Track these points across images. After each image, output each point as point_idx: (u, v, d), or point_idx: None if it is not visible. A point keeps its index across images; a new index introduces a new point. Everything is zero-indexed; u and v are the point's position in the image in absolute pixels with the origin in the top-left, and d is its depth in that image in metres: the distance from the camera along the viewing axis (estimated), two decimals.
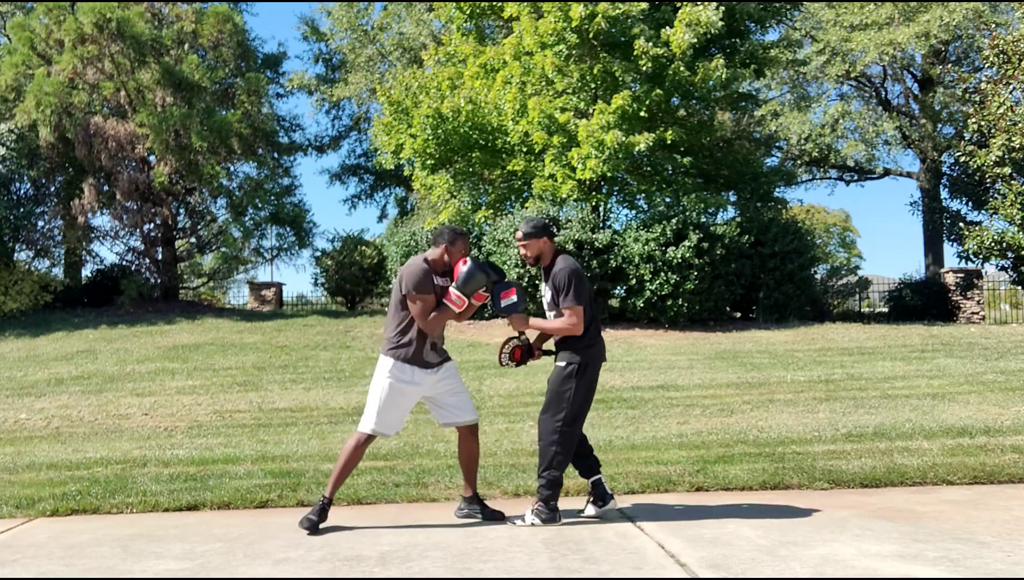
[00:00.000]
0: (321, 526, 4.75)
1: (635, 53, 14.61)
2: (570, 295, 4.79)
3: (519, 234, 4.97)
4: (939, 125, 24.04)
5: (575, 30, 14.74)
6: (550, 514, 4.83)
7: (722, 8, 14.78)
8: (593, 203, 16.19)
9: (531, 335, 5.17)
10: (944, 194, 21.89)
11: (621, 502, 5.37)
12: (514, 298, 4.97)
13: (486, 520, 4.98)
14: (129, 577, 4.02)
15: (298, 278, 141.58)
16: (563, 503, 5.42)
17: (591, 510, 5.03)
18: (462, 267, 4.81)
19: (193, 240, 22.91)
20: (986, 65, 17.60)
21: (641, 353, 12.53)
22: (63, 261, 21.80)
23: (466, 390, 5.09)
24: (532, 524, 4.80)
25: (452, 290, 4.82)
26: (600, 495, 5.01)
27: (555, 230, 4.96)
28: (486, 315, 16.63)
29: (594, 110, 14.79)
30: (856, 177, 27.41)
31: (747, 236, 15.54)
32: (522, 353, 5.09)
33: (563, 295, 4.80)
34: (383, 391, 4.82)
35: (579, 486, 5.71)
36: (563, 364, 4.87)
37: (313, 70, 29.40)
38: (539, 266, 5.01)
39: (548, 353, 5.13)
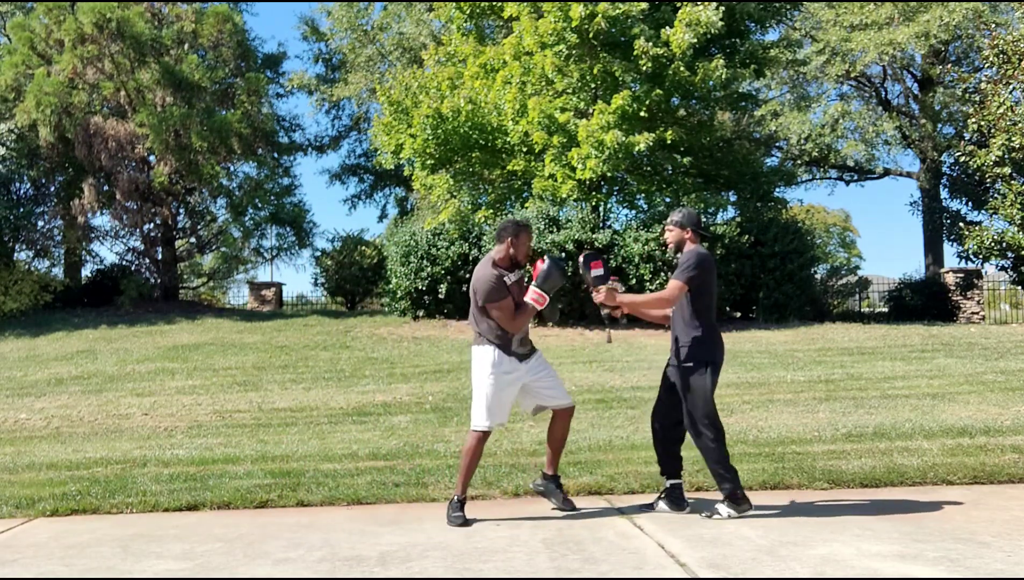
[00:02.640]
0: (468, 517, 4.86)
1: (635, 53, 14.60)
2: (682, 272, 4.89)
3: (669, 219, 5.15)
4: (939, 125, 24.03)
5: (575, 30, 14.74)
6: (741, 507, 4.89)
7: (722, 8, 14.78)
8: (593, 203, 16.19)
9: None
10: (944, 194, 21.89)
11: (621, 502, 5.37)
12: (601, 270, 5.08)
13: (564, 505, 5.09)
14: (129, 577, 4.02)
15: (298, 278, 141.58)
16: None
17: (662, 506, 5.10)
18: (541, 266, 4.96)
19: (193, 240, 22.92)
20: (986, 65, 17.60)
21: (641, 353, 12.53)
22: (63, 261, 21.81)
23: (558, 376, 5.18)
24: (729, 516, 4.84)
25: (533, 289, 4.94)
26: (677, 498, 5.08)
27: (703, 226, 5.21)
28: None
29: (594, 110, 14.79)
30: (856, 177, 27.40)
31: (747, 236, 15.54)
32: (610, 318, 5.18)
33: (677, 270, 4.93)
34: (489, 386, 4.91)
35: (578, 486, 5.71)
36: (690, 364, 4.95)
37: (313, 70, 29.42)
38: (675, 254, 5.15)
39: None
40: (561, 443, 5.18)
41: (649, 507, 5.12)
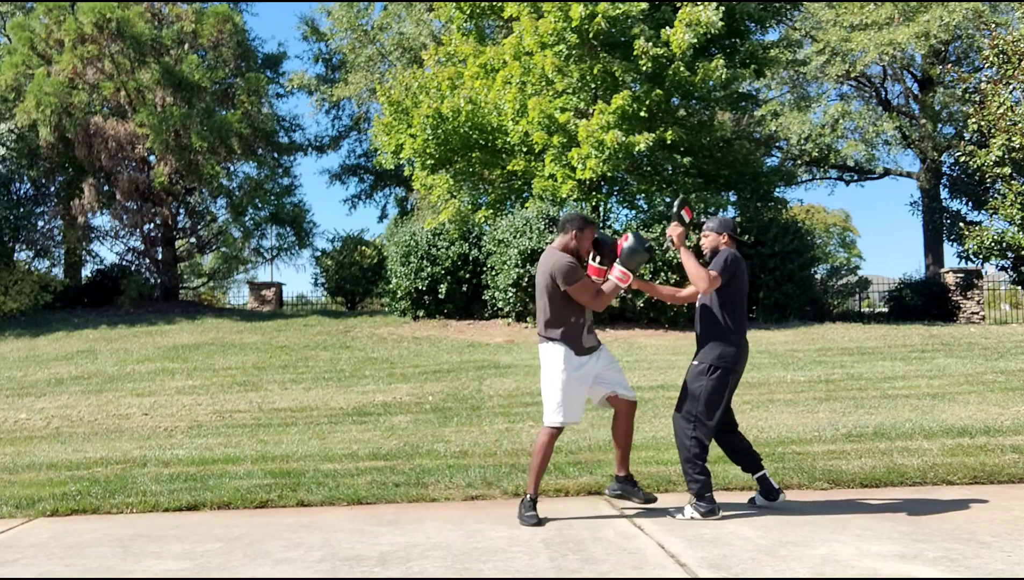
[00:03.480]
0: (541, 516, 4.86)
1: (635, 53, 14.60)
2: (717, 266, 4.96)
3: (705, 226, 5.26)
4: (939, 125, 24.03)
5: (575, 30, 14.74)
6: (708, 507, 4.90)
7: (722, 8, 14.78)
8: (593, 203, 16.19)
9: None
10: (944, 194, 21.88)
11: (621, 502, 5.37)
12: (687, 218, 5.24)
13: (645, 500, 5.09)
14: (129, 577, 4.02)
15: (298, 278, 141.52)
16: (568, 501, 5.43)
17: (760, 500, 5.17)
18: (625, 244, 4.96)
19: (193, 240, 22.92)
20: (986, 65, 17.60)
21: (641, 353, 12.53)
22: (63, 261, 21.82)
23: (621, 370, 5.18)
24: (691, 517, 4.86)
25: (617, 266, 4.95)
26: (768, 490, 5.13)
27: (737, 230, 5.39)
28: (486, 315, 16.63)
29: (594, 110, 14.79)
30: (856, 177, 27.40)
31: (747, 236, 15.54)
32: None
33: (711, 265, 5.00)
34: (562, 383, 4.88)
35: (578, 486, 5.72)
36: (695, 362, 5.03)
37: (313, 70, 29.44)
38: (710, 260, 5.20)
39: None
40: (627, 441, 5.13)
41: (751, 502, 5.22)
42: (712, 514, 4.87)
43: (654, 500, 5.11)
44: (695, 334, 5.13)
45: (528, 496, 4.91)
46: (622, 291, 5.05)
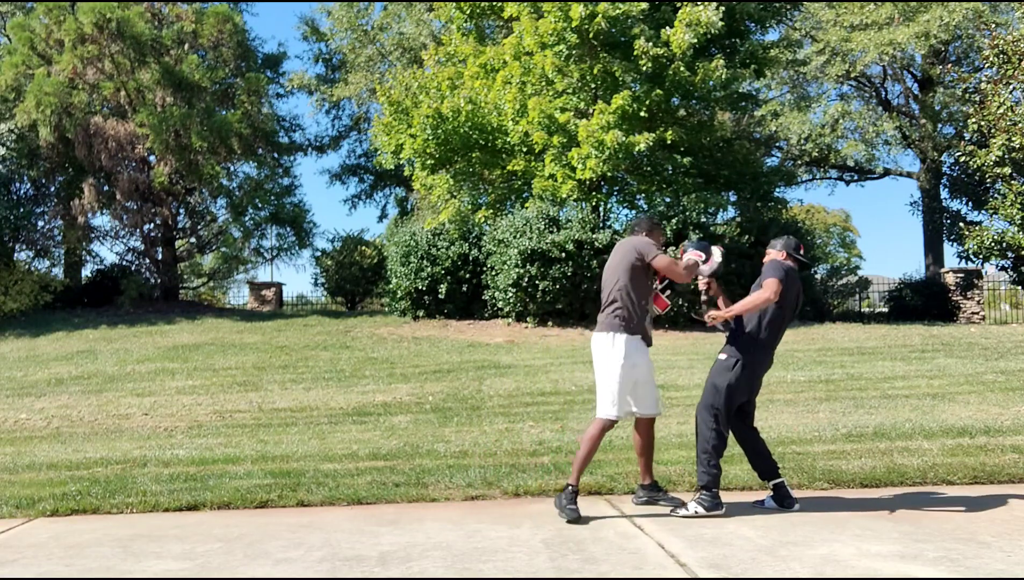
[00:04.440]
0: (582, 512, 4.84)
1: (635, 53, 14.60)
2: (773, 271, 5.02)
3: (770, 245, 5.42)
4: (939, 125, 24.02)
5: (575, 30, 14.74)
6: (712, 501, 4.93)
7: (722, 8, 14.78)
8: (593, 203, 16.19)
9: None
10: (944, 194, 21.89)
11: (621, 502, 5.37)
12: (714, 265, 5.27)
13: (672, 504, 5.07)
14: (129, 577, 4.02)
15: (298, 278, 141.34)
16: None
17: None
18: (717, 254, 5.16)
19: (193, 240, 22.93)
20: (986, 65, 17.60)
21: None
22: (63, 261, 21.82)
23: (655, 383, 5.18)
24: (695, 513, 4.89)
25: (705, 268, 5.14)
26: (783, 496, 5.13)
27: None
28: (486, 315, 16.63)
29: (594, 110, 14.79)
30: (856, 177, 27.40)
31: (747, 236, 15.53)
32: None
33: (765, 272, 5.05)
34: (621, 373, 4.88)
35: (580, 485, 5.70)
36: (721, 357, 5.08)
37: (313, 70, 29.42)
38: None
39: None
40: (649, 450, 5.14)
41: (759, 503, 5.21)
42: (716, 508, 4.89)
43: (682, 504, 5.04)
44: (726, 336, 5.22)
45: (570, 487, 4.89)
46: (703, 276, 5.19)
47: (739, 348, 5.05)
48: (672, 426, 7.94)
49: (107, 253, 76.66)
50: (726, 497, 5.44)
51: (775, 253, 5.30)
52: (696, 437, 5.08)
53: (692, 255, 5.14)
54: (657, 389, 5.15)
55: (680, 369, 11.23)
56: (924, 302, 18.72)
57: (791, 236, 5.52)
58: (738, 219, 16.24)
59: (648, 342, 5.07)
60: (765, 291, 4.93)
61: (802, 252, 5.34)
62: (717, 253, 5.22)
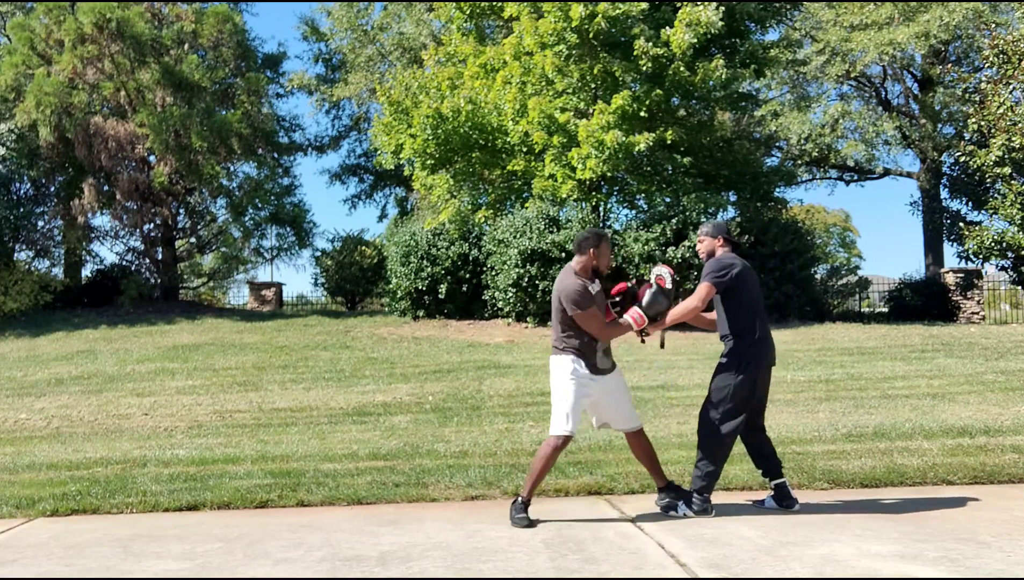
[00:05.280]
0: (533, 518, 4.83)
1: (635, 53, 14.60)
2: (706, 276, 5.00)
3: (700, 231, 5.30)
4: (939, 125, 24.02)
5: (575, 30, 14.74)
6: (702, 505, 4.94)
7: (722, 8, 14.78)
8: (593, 203, 16.19)
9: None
10: (944, 194, 21.88)
11: (621, 502, 5.37)
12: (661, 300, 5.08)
13: (687, 507, 5.02)
14: (129, 577, 4.02)
15: (298, 278, 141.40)
16: (568, 501, 5.42)
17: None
18: (649, 291, 4.97)
19: (193, 240, 22.93)
20: (986, 65, 17.60)
21: (641, 353, 12.52)
22: (63, 261, 21.82)
23: (630, 397, 5.12)
24: (684, 515, 4.91)
25: (636, 310, 4.94)
26: (784, 496, 5.11)
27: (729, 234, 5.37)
28: (486, 315, 16.63)
29: (594, 110, 14.79)
30: (856, 177, 27.39)
31: (747, 236, 15.53)
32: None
33: (703, 275, 5.03)
34: (571, 392, 4.86)
35: (578, 486, 5.72)
36: (724, 360, 5.06)
37: (313, 70, 29.41)
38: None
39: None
40: (651, 457, 5.08)
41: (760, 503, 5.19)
42: (705, 513, 4.91)
43: (674, 506, 5.03)
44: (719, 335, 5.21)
45: (520, 499, 4.88)
46: (634, 331, 5.02)
47: (730, 350, 5.03)
48: (672, 426, 7.94)
49: (107, 253, 76.71)
50: (726, 497, 5.45)
51: (712, 242, 5.20)
52: (698, 441, 5.06)
53: (630, 319, 4.94)
54: (630, 402, 5.07)
55: (680, 369, 11.23)
56: (924, 302, 18.72)
57: (717, 220, 5.47)
58: (738, 219, 16.24)
59: (602, 372, 4.93)
60: (693, 300, 4.95)
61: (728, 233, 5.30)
62: (667, 277, 5.07)
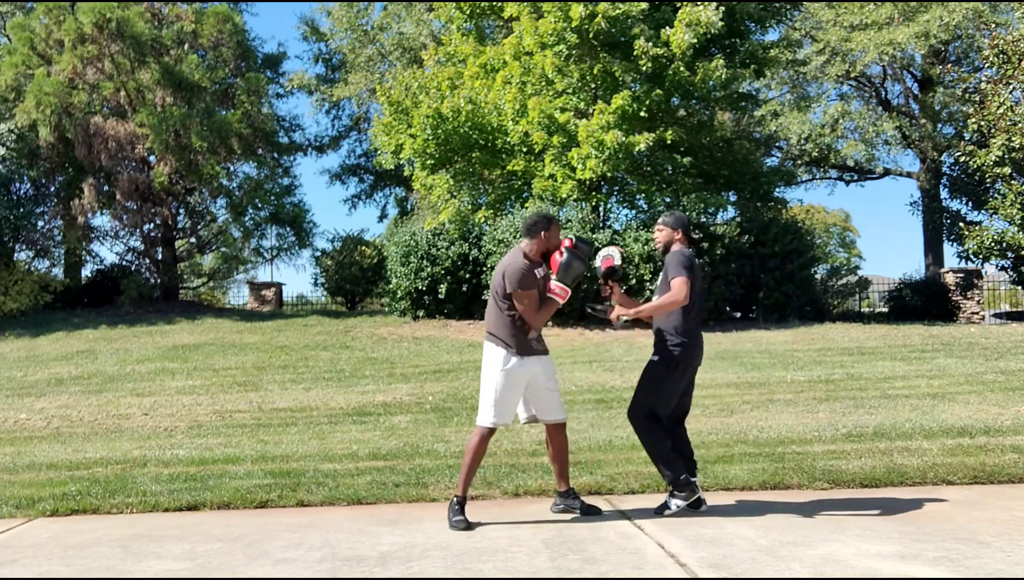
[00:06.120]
0: (471, 520, 4.79)
1: (635, 53, 14.60)
2: (679, 268, 4.92)
3: (660, 220, 5.23)
4: (939, 125, 24.01)
5: (575, 30, 14.74)
6: (686, 494, 4.95)
7: (722, 8, 14.77)
8: (593, 203, 16.19)
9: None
10: (944, 194, 21.88)
11: (621, 502, 5.37)
12: (613, 263, 5.05)
13: (584, 515, 5.00)
14: (129, 577, 4.02)
15: (298, 278, 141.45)
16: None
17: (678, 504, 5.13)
18: (559, 258, 4.88)
19: (193, 240, 22.92)
20: (986, 65, 17.60)
21: (641, 353, 12.52)
22: (63, 261, 21.82)
23: (558, 388, 5.09)
24: (677, 507, 4.94)
25: (554, 283, 4.88)
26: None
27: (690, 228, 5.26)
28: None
29: (594, 110, 14.78)
30: (856, 177, 27.39)
31: (747, 236, 15.53)
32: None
33: (673, 268, 4.94)
34: (498, 383, 4.84)
35: (579, 486, 5.71)
36: (657, 357, 5.04)
37: (313, 70, 29.41)
38: (662, 255, 5.19)
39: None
40: (564, 456, 5.07)
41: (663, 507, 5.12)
42: (693, 494, 4.92)
43: (598, 512, 5.02)
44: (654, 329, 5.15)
45: (455, 498, 4.85)
46: (608, 318, 5.00)
47: (665, 344, 5.01)
48: None
49: (107, 253, 76.72)
50: (725, 497, 5.45)
51: (671, 233, 5.16)
52: (642, 444, 5.05)
53: (552, 296, 4.88)
54: (558, 393, 5.02)
55: None
56: (924, 302, 18.71)
57: (679, 212, 5.44)
58: (738, 219, 16.23)
59: (532, 353, 4.90)
60: (676, 294, 4.88)
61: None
62: (616, 255, 5.06)
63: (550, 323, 15.42)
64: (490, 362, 4.90)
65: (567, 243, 4.91)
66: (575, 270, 4.87)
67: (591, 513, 5.01)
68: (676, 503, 4.95)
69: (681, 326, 5.00)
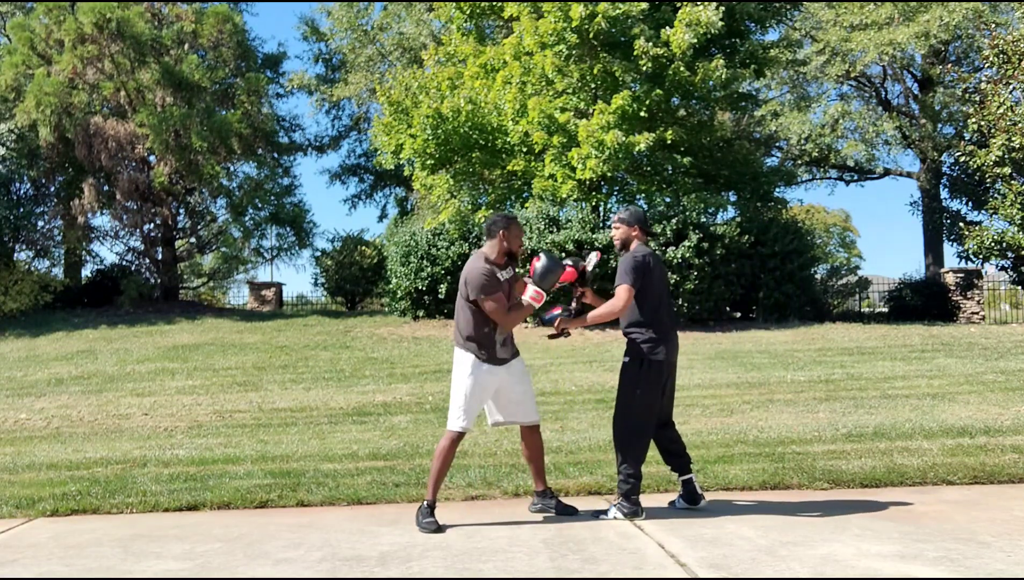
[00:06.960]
0: (441, 523, 4.77)
1: (635, 53, 14.60)
2: (626, 275, 4.88)
3: (615, 217, 5.17)
4: (939, 125, 24.00)
5: (575, 30, 14.74)
6: (631, 508, 4.90)
7: (722, 8, 14.77)
8: (593, 203, 16.19)
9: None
10: (944, 194, 21.89)
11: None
12: (556, 313, 5.05)
13: (559, 515, 4.99)
14: (129, 577, 4.02)
15: (298, 278, 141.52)
16: (568, 501, 5.41)
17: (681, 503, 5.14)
18: (537, 263, 4.92)
19: (193, 240, 22.91)
20: (986, 65, 17.60)
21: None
22: (63, 261, 21.82)
23: (532, 390, 5.08)
24: (615, 518, 4.87)
25: (531, 286, 4.89)
26: (690, 493, 5.10)
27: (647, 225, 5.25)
28: None
29: (594, 110, 14.78)
30: (856, 177, 27.38)
31: (747, 236, 15.53)
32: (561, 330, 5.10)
33: (618, 275, 4.91)
34: (467, 388, 4.83)
35: (578, 486, 5.72)
36: (627, 359, 5.00)
37: (313, 70, 29.41)
38: (621, 253, 5.15)
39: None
40: (540, 456, 5.05)
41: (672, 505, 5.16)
42: (635, 516, 4.88)
43: (574, 512, 5.00)
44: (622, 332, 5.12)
45: (425, 503, 4.83)
46: (553, 330, 5.00)
47: (635, 346, 4.96)
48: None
49: (107, 253, 76.66)
50: (725, 496, 5.45)
51: (628, 230, 5.12)
52: (615, 445, 5.00)
53: (529, 299, 4.88)
54: (532, 395, 5.02)
55: (680, 369, 11.12)
56: (924, 302, 18.71)
57: (636, 207, 5.42)
58: (738, 219, 16.23)
59: (501, 362, 4.88)
60: (615, 303, 4.87)
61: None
62: (592, 258, 5.06)
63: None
64: (460, 367, 4.89)
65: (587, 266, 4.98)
66: (552, 276, 4.91)
67: (567, 513, 4.99)
68: (617, 513, 4.89)
69: (643, 322, 4.94)
